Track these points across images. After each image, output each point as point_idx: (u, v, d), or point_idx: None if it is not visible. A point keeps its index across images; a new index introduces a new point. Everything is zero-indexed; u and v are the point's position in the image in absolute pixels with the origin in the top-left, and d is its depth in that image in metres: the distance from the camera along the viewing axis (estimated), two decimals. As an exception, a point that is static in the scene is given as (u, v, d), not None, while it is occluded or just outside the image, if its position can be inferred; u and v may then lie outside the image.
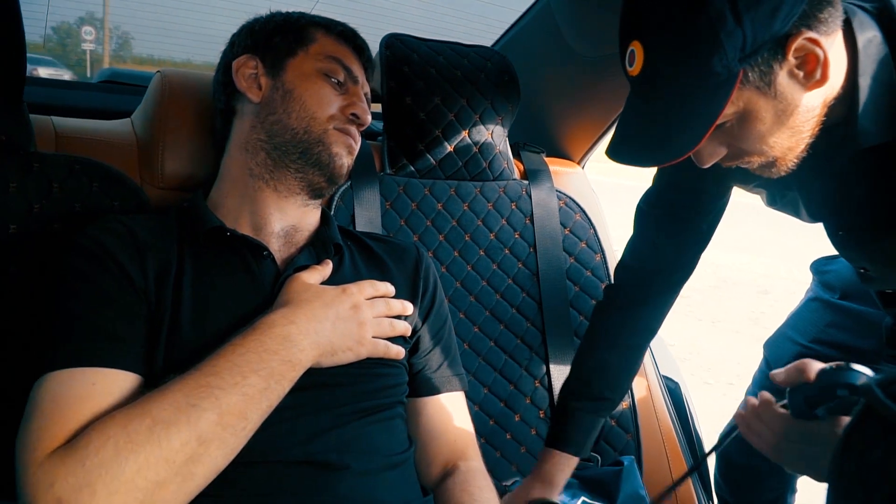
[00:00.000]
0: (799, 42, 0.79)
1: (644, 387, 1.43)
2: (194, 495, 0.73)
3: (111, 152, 1.09)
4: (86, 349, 0.77)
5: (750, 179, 1.10)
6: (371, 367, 0.93)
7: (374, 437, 0.91)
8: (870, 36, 0.86)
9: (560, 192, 1.50)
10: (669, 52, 0.81)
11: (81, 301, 0.80)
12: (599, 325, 1.24)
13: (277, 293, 0.90)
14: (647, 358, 1.47)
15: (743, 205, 2.45)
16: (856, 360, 1.37)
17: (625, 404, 1.38)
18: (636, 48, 0.83)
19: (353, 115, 0.99)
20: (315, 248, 0.99)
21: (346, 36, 1.04)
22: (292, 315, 0.85)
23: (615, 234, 1.56)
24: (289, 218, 0.99)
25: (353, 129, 1.00)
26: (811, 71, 0.81)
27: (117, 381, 0.77)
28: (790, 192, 1.10)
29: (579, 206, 1.50)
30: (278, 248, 0.97)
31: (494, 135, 1.41)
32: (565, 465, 1.17)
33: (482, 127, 1.39)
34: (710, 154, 0.89)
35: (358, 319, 0.91)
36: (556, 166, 1.56)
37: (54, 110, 1.18)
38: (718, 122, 0.82)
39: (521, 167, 1.52)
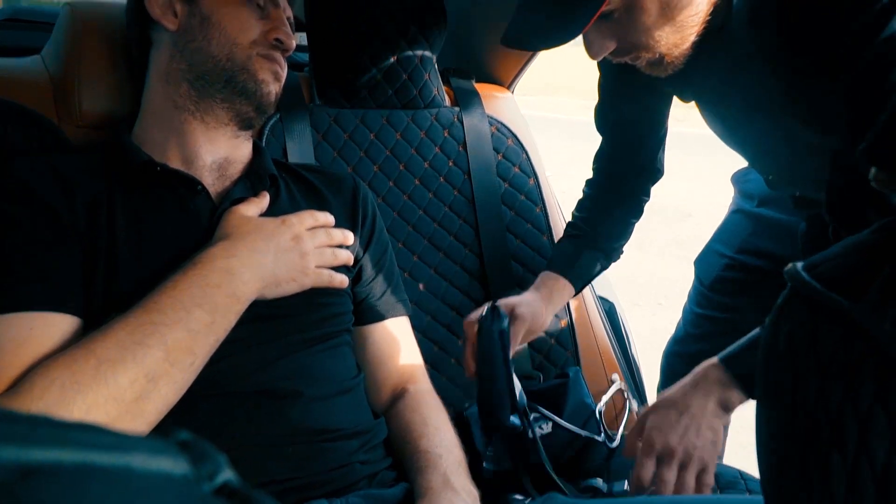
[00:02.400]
0: None
1: (581, 307, 1.47)
2: (147, 433, 0.73)
3: (23, 92, 1.03)
4: (19, 293, 0.74)
5: (675, 89, 1.16)
6: (315, 297, 0.93)
7: (323, 364, 0.92)
8: None
9: (491, 117, 1.50)
10: None
11: (9, 244, 0.77)
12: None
13: (215, 227, 0.88)
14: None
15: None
16: (777, 266, 1.44)
17: (563, 322, 1.42)
18: None
19: (276, 39, 0.95)
20: (250, 181, 0.97)
21: None
22: (233, 248, 0.84)
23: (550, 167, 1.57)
24: (219, 150, 0.96)
25: (278, 55, 0.96)
26: None
27: (56, 324, 0.75)
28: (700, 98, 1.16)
29: (511, 131, 1.51)
30: (212, 182, 0.94)
31: (423, 60, 1.39)
32: (565, 292, 1.25)
33: (410, 52, 1.37)
34: (600, 46, 0.93)
35: (300, 250, 0.91)
36: (485, 91, 1.56)
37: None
38: (605, 8, 0.86)
39: (452, 93, 1.51)
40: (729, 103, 1.10)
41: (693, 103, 1.17)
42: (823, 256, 0.56)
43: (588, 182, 1.36)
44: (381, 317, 1.06)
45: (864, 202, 0.86)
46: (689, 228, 6.12)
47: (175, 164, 0.93)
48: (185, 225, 0.88)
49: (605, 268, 1.33)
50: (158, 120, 0.94)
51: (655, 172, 1.32)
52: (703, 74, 1.04)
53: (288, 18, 1.00)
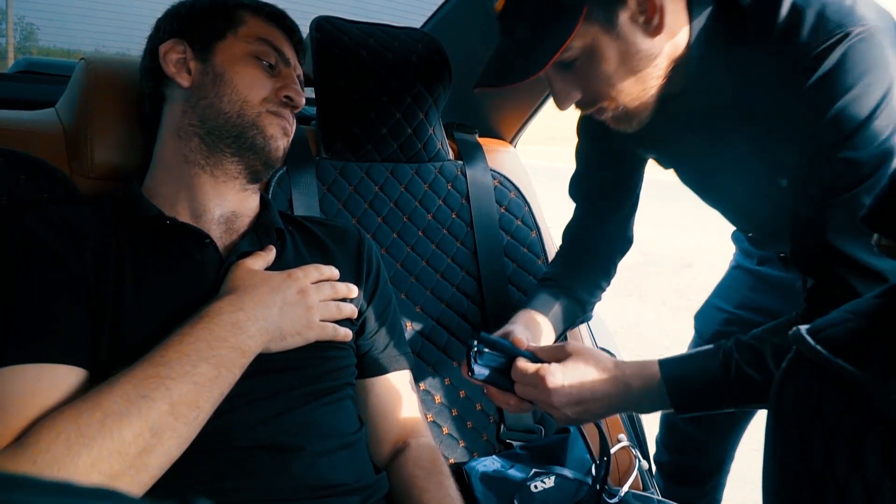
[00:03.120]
0: None
1: None
2: (149, 486, 0.72)
3: (37, 143, 1.05)
4: (27, 345, 0.75)
5: (649, 149, 1.23)
6: (319, 350, 0.94)
7: (326, 418, 0.91)
8: (706, 15, 0.96)
9: (494, 171, 1.52)
10: None
11: (18, 295, 0.78)
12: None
13: (222, 281, 0.89)
14: (584, 332, 1.52)
15: (665, 183, 2.53)
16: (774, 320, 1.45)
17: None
18: None
19: (286, 97, 0.98)
20: (257, 234, 0.98)
21: (276, 17, 1.02)
22: (239, 301, 0.84)
23: (548, 213, 1.59)
24: (228, 204, 0.97)
25: (287, 112, 0.99)
26: (651, 17, 0.91)
27: (63, 376, 0.75)
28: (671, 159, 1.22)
29: (513, 184, 1.53)
30: (219, 235, 0.96)
31: (428, 116, 1.42)
32: (544, 329, 1.23)
33: (415, 108, 1.40)
34: (566, 95, 0.99)
35: (305, 304, 0.91)
36: (489, 146, 1.58)
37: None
38: (568, 55, 0.92)
39: (456, 147, 1.53)
40: (698, 161, 1.14)
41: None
42: (828, 321, 0.57)
43: (558, 254, 1.38)
44: (383, 370, 1.06)
45: (830, 256, 0.90)
46: (690, 278, 6.13)
47: (184, 217, 0.94)
48: (192, 278, 0.89)
49: (583, 317, 1.35)
50: (169, 173, 0.96)
51: (626, 242, 1.35)
52: (670, 132, 1.09)
53: (298, 76, 1.02)
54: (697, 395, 0.94)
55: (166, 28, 0.99)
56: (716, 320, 1.54)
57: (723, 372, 0.92)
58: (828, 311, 0.88)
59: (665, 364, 0.96)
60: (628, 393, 0.97)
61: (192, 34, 0.97)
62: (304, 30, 1.33)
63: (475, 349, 1.01)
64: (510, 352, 1.03)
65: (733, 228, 1.60)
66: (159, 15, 1.02)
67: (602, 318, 1.71)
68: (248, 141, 0.95)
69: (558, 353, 1.00)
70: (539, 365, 0.99)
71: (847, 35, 0.85)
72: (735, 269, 1.57)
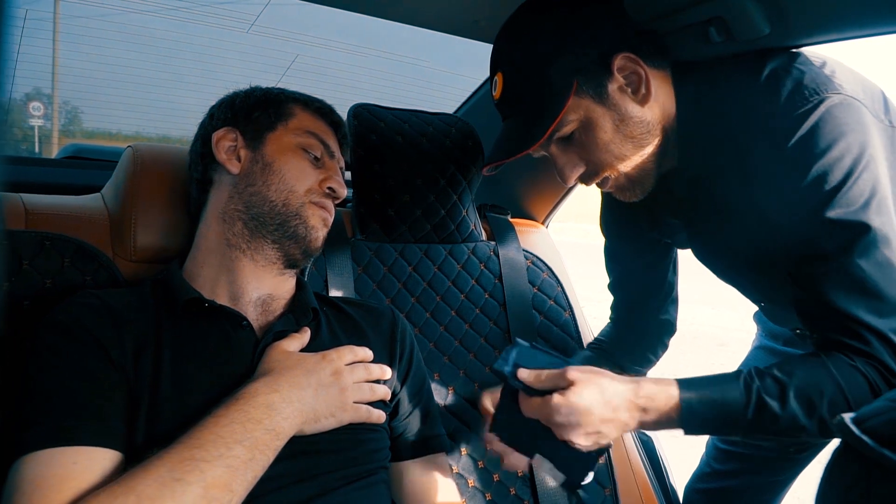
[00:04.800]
0: (620, 61, 0.98)
1: (619, 442, 1.44)
2: None
3: (82, 227, 1.08)
4: (64, 428, 0.75)
5: (666, 233, 1.28)
6: (353, 432, 0.93)
7: (359, 503, 0.90)
8: (691, 87, 1.03)
9: (526, 251, 1.53)
10: (519, 72, 1.02)
11: (58, 378, 0.79)
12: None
13: (258, 362, 0.90)
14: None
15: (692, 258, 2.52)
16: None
17: (601, 459, 1.38)
18: (498, 78, 1.05)
19: (329, 188, 1.01)
20: (293, 315, 1.00)
21: (323, 112, 1.07)
22: (275, 383, 0.85)
23: (579, 289, 1.59)
24: (265, 287, 0.99)
25: (329, 203, 1.02)
26: (638, 87, 1.00)
27: (98, 460, 0.75)
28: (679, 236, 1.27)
29: (546, 264, 1.54)
30: (255, 317, 0.97)
31: (462, 198, 1.45)
32: None
33: (449, 191, 1.42)
34: (570, 169, 1.05)
35: (339, 385, 0.92)
36: (521, 226, 1.60)
37: (20, 187, 1.18)
38: (566, 128, 1.00)
39: (488, 228, 1.55)
40: (702, 234, 1.18)
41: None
42: (873, 410, 0.55)
43: (607, 325, 1.43)
44: (417, 453, 1.05)
45: (833, 315, 0.90)
46: (725, 358, 6.00)
47: (223, 299, 0.96)
48: (228, 360, 0.90)
49: None
50: (211, 256, 0.98)
51: (669, 325, 1.40)
52: (674, 209, 1.15)
53: (341, 168, 1.06)
54: (712, 420, 0.91)
55: (220, 116, 1.04)
56: None
57: (743, 398, 0.89)
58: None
59: (683, 385, 0.93)
60: (645, 415, 0.91)
61: (245, 124, 1.01)
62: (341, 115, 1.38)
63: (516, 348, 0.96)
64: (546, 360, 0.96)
65: (755, 311, 1.57)
66: (194, 101, 1.08)
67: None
68: (291, 230, 0.97)
69: (559, 381, 0.92)
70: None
71: (823, 101, 0.90)
72: (758, 349, 1.54)
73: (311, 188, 1.00)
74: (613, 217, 1.35)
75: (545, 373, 0.92)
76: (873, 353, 0.87)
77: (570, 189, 1.67)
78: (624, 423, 0.91)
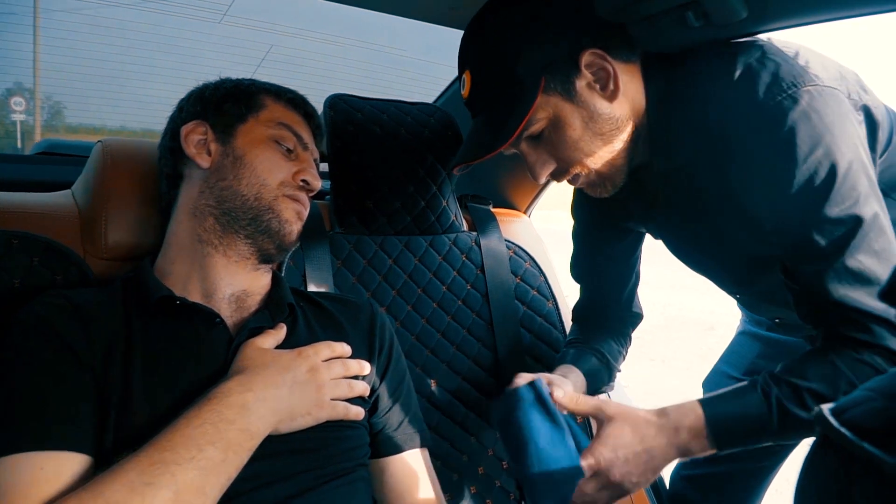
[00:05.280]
0: (588, 57, 0.97)
1: None
2: None
3: (52, 225, 1.06)
4: (30, 432, 0.73)
5: (637, 222, 1.27)
6: (331, 430, 0.92)
7: (338, 502, 0.89)
8: (661, 81, 1.02)
9: (509, 241, 1.52)
10: (486, 70, 1.00)
11: (24, 380, 0.77)
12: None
13: (231, 360, 0.88)
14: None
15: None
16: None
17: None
18: (466, 76, 1.03)
19: (303, 181, 0.99)
20: (268, 311, 0.98)
21: (296, 103, 1.04)
22: (248, 382, 0.83)
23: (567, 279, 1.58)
24: (239, 283, 0.97)
25: (303, 196, 1.00)
26: (606, 84, 0.99)
27: (66, 464, 0.73)
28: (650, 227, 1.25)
29: (528, 254, 1.52)
30: (230, 314, 0.95)
31: (441, 189, 1.43)
32: (578, 380, 1.21)
33: (429, 181, 1.41)
34: (541, 166, 1.04)
35: (316, 382, 0.90)
36: (503, 216, 1.58)
37: (-10, 185, 1.15)
38: (535, 126, 0.99)
39: (470, 219, 1.53)
40: (676, 227, 1.17)
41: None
42: (851, 400, 0.54)
43: (572, 329, 1.41)
44: (398, 449, 1.04)
45: (835, 309, 0.89)
46: (714, 342, 6.02)
47: (195, 296, 0.94)
48: (201, 358, 0.88)
49: (608, 384, 1.35)
50: (182, 253, 0.96)
51: (635, 316, 1.38)
52: (647, 202, 1.14)
53: (315, 160, 1.04)
54: (741, 432, 0.92)
55: (189, 109, 1.01)
56: (723, 386, 1.49)
57: (764, 408, 0.90)
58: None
59: (706, 403, 0.94)
60: (678, 438, 0.94)
61: (215, 116, 0.99)
62: (318, 107, 1.36)
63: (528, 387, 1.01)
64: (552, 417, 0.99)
65: None
66: (180, 94, 1.05)
67: (623, 386, 1.68)
68: (264, 224, 0.95)
69: (598, 414, 0.97)
70: (586, 462, 0.94)
71: (802, 94, 0.89)
72: (742, 334, 1.54)
73: (285, 181, 0.97)
74: (586, 206, 1.34)
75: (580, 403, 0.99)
76: (878, 342, 0.87)
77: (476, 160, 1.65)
78: (664, 450, 0.94)
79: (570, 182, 1.08)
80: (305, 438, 0.88)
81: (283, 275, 1.23)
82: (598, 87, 0.99)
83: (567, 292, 1.55)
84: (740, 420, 0.91)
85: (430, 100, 1.73)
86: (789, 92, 0.89)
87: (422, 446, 1.07)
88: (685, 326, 6.58)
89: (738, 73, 0.94)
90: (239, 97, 1.00)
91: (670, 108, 1.01)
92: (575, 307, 1.42)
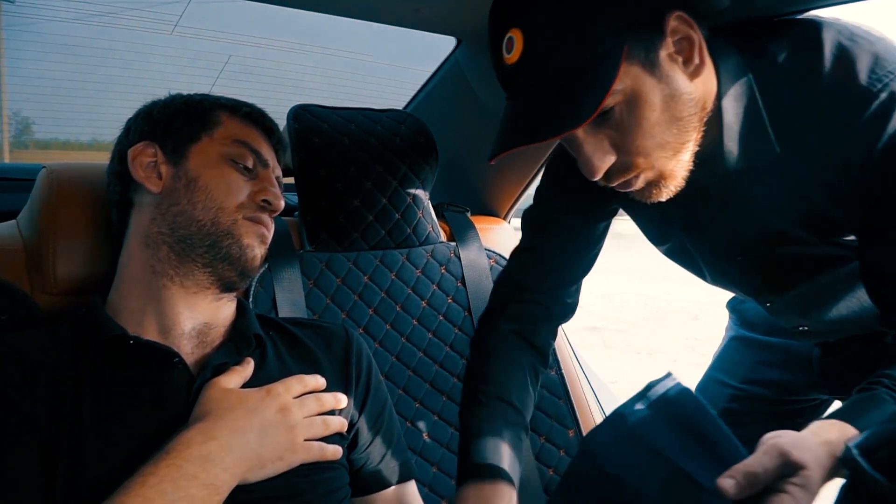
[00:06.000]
0: (674, 21, 0.80)
1: (576, 384, 1.41)
2: None
3: (-5, 260, 0.98)
4: None
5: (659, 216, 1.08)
6: (306, 474, 0.84)
7: (316, 554, 0.82)
8: (733, 60, 0.87)
9: (489, 250, 1.45)
10: (550, 27, 0.79)
11: None
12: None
13: (193, 404, 0.80)
14: (592, 402, 1.44)
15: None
16: (788, 394, 1.35)
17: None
18: (515, 35, 0.81)
19: (264, 201, 0.91)
20: (233, 344, 0.90)
21: (254, 117, 0.97)
22: (212, 429, 0.76)
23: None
24: (200, 315, 0.90)
25: (265, 217, 0.92)
26: (690, 56, 0.82)
27: None
28: (672, 228, 1.09)
29: (510, 262, 1.46)
30: (190, 350, 0.87)
31: (416, 199, 1.36)
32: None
33: (402, 192, 1.34)
34: (599, 159, 0.83)
35: (287, 423, 0.83)
36: (482, 224, 1.52)
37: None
38: (608, 101, 0.78)
39: (447, 228, 1.47)
40: (721, 231, 1.03)
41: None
42: (880, 437, 0.48)
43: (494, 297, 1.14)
44: (384, 484, 0.97)
45: None
46: (699, 331, 6.02)
47: (150, 334, 0.86)
48: (158, 403, 0.80)
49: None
50: (135, 286, 0.88)
51: (573, 310, 1.15)
52: (694, 198, 0.95)
53: (277, 177, 0.96)
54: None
55: (137, 130, 0.93)
56: (721, 396, 1.43)
57: None
58: None
59: (848, 420, 0.76)
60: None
61: (165, 136, 0.91)
62: (281, 120, 1.28)
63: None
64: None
65: (728, 300, 1.50)
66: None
67: (607, 383, 1.63)
68: (223, 251, 0.88)
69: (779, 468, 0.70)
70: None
71: None
72: (734, 339, 1.47)
73: (244, 203, 0.90)
74: (563, 181, 1.09)
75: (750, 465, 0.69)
76: None
77: (532, 180, 1.59)
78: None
79: (620, 187, 0.88)
80: (279, 486, 0.81)
81: (250, 300, 1.16)
82: (680, 59, 0.82)
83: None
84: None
85: (400, 105, 1.66)
86: None
87: (408, 479, 1.01)
88: (670, 317, 6.58)
89: (828, 56, 0.82)
90: (190, 114, 0.93)
91: (747, 97, 0.87)
92: (500, 288, 1.13)
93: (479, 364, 1.05)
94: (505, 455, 0.95)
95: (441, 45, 1.51)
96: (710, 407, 0.76)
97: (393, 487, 0.98)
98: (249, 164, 0.92)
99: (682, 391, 0.77)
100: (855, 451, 0.49)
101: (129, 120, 0.96)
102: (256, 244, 0.91)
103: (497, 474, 0.92)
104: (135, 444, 0.76)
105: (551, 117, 0.79)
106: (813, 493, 0.68)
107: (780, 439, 0.70)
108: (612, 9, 0.77)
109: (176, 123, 0.92)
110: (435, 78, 1.58)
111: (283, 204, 0.94)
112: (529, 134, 0.80)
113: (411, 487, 1.01)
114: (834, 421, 0.75)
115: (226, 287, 0.90)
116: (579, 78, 0.78)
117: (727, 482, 0.68)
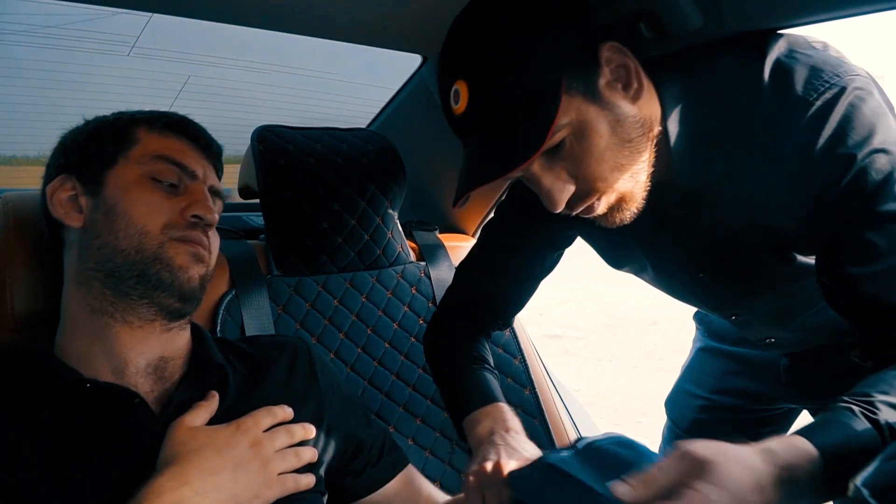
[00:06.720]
0: (607, 51, 0.83)
1: (540, 377, 1.42)
2: None
3: (-54, 297, 0.92)
4: None
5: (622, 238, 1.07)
6: None
7: None
8: (676, 83, 0.90)
9: (459, 268, 1.44)
10: (491, 76, 0.82)
11: None
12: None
13: (159, 447, 0.76)
14: (561, 410, 1.44)
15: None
16: (757, 403, 1.36)
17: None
18: (460, 86, 0.83)
19: (194, 217, 0.84)
20: (195, 376, 0.86)
21: (174, 126, 0.90)
22: (182, 474, 0.72)
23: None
24: (152, 350, 0.84)
25: (197, 234, 0.85)
26: (628, 82, 0.84)
27: None
28: (632, 252, 1.10)
29: (480, 280, 1.45)
30: (150, 388, 0.83)
31: (385, 219, 1.34)
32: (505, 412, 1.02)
33: (371, 212, 1.32)
34: (559, 190, 0.85)
35: (261, 458, 0.79)
36: (450, 241, 1.50)
37: None
38: (555, 136, 0.81)
39: (417, 247, 1.45)
40: (676, 251, 1.04)
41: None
42: (890, 474, 0.48)
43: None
44: (391, 474, 1.02)
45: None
46: (658, 336, 6.08)
47: (105, 375, 0.81)
48: (122, 449, 0.76)
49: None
50: (78, 327, 0.83)
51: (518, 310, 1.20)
52: (652, 221, 0.97)
53: (211, 188, 0.90)
54: (852, 463, 0.75)
55: (53, 164, 0.88)
56: (691, 407, 1.45)
57: (874, 431, 0.71)
58: None
59: (805, 434, 0.72)
60: (791, 476, 0.68)
61: (80, 166, 0.85)
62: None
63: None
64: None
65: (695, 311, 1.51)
66: (112, 111, 0.91)
67: (572, 391, 1.63)
68: (153, 278, 0.81)
69: (682, 468, 0.68)
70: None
71: (846, 86, 0.81)
72: (702, 350, 1.47)
73: (169, 222, 0.83)
74: (526, 208, 1.09)
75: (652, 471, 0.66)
76: None
77: (500, 198, 1.58)
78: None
79: (583, 213, 0.89)
80: None
81: (218, 328, 1.12)
82: (619, 85, 0.84)
83: (525, 318, 1.48)
84: (853, 449, 0.70)
85: (363, 123, 1.64)
86: (832, 82, 0.81)
87: (406, 462, 1.05)
88: (627, 322, 6.63)
89: (767, 71, 0.84)
90: (103, 137, 0.86)
91: (691, 117, 0.89)
92: (450, 302, 1.18)
93: (440, 370, 1.13)
94: (497, 390, 1.05)
95: (403, 63, 1.50)
96: (651, 453, 0.74)
97: (398, 476, 1.02)
98: (174, 179, 0.86)
99: (619, 440, 0.77)
100: (866, 493, 0.48)
101: (50, 156, 0.90)
102: (191, 264, 0.84)
103: (499, 399, 1.03)
104: (100, 492, 0.72)
105: (502, 156, 0.82)
106: (731, 492, 0.64)
107: (691, 444, 0.68)
108: (547, 48, 0.80)
109: (90, 150, 0.86)
110: (400, 95, 1.56)
111: (217, 217, 0.88)
112: (482, 176, 0.83)
113: (411, 471, 1.05)
114: (789, 435, 0.74)
115: (172, 316, 0.85)
116: (524, 115, 0.80)
117: (621, 486, 0.66)
